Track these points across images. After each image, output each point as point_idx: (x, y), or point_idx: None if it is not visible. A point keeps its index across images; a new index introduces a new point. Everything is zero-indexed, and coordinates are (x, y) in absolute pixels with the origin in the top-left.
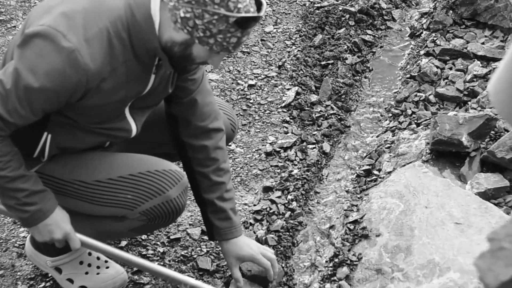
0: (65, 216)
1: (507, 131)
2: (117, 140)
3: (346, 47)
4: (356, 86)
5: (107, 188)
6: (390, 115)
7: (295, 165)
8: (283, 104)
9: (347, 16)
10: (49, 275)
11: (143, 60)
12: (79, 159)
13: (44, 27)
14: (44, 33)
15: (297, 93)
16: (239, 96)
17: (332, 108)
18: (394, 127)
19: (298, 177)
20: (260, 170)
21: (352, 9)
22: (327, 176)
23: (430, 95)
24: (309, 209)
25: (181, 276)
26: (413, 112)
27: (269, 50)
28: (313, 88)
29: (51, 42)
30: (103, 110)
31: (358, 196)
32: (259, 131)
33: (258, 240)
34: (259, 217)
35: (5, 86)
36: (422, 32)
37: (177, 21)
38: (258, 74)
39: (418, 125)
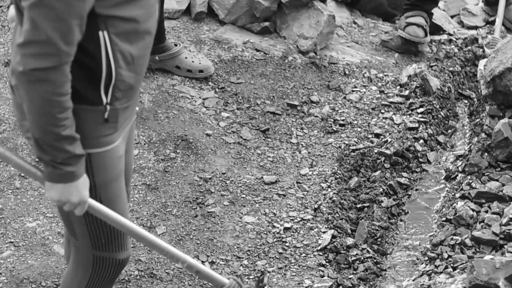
0: (87, 182)
1: None
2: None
3: (381, 189)
4: (392, 229)
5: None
6: (426, 258)
7: None
8: (319, 247)
9: (383, 158)
10: None
11: None
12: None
13: None
14: None
15: (333, 236)
16: (275, 239)
17: (368, 251)
18: (430, 271)
19: None
20: None
21: (388, 151)
22: None
23: (466, 238)
24: None
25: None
26: (449, 256)
27: (305, 192)
28: (349, 231)
29: None
30: None
31: None
32: (295, 275)
33: None
34: None
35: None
36: (457, 175)
37: None
38: (294, 217)
39: (454, 269)
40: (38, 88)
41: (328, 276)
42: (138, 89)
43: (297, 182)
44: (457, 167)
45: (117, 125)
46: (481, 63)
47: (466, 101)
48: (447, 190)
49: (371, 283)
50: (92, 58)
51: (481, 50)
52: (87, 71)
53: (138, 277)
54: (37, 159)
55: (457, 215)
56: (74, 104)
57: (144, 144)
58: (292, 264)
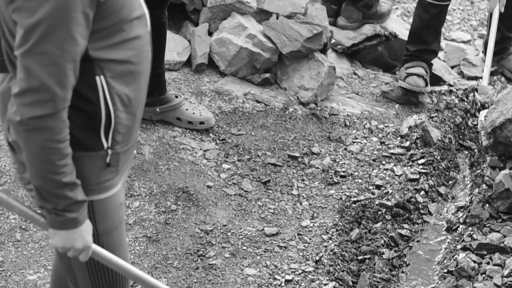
0: (90, 228)
1: None
2: (144, 35)
3: (383, 241)
4: (393, 281)
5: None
6: None
7: None
8: None
9: (384, 210)
10: None
11: None
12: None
13: None
14: None
15: None
16: None
17: None
18: None
19: None
20: None
21: (389, 203)
22: None
23: None
24: None
25: None
26: None
27: (306, 244)
28: (350, 283)
29: None
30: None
31: None
32: None
33: None
34: None
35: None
36: (458, 226)
37: None
38: (295, 269)
39: None
40: (36, 137)
41: None
42: (137, 131)
43: (298, 234)
44: (458, 218)
45: (118, 168)
46: (482, 114)
47: (467, 152)
48: (448, 242)
49: None
50: (90, 103)
51: (479, 102)
52: (86, 117)
53: None
54: (39, 208)
55: (458, 266)
56: (75, 152)
57: (145, 196)
58: None
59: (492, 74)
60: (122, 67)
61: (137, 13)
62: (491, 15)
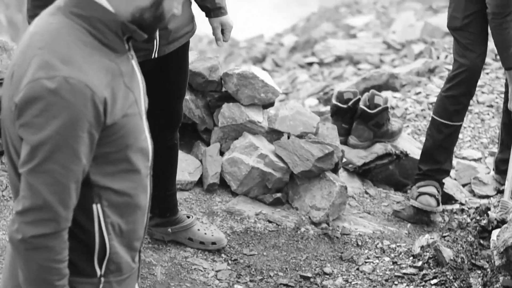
0: None
1: None
2: (144, 167)
3: None
4: None
5: None
6: None
7: None
8: None
9: None
10: None
11: (116, 48)
12: None
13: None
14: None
15: None
16: None
17: None
18: None
19: None
20: None
21: None
22: None
23: None
24: None
25: None
26: None
27: None
28: None
29: (41, 99)
30: (128, 128)
31: None
32: None
33: None
34: None
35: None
36: None
37: None
38: None
39: None
40: (37, 256)
41: None
42: (134, 264)
43: None
44: None
45: None
46: (494, 233)
47: (479, 272)
48: None
49: None
50: (85, 231)
51: (495, 220)
52: (79, 243)
53: None
54: None
55: None
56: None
57: None
58: None
59: (502, 192)
60: (120, 198)
61: (142, 145)
62: (501, 132)
